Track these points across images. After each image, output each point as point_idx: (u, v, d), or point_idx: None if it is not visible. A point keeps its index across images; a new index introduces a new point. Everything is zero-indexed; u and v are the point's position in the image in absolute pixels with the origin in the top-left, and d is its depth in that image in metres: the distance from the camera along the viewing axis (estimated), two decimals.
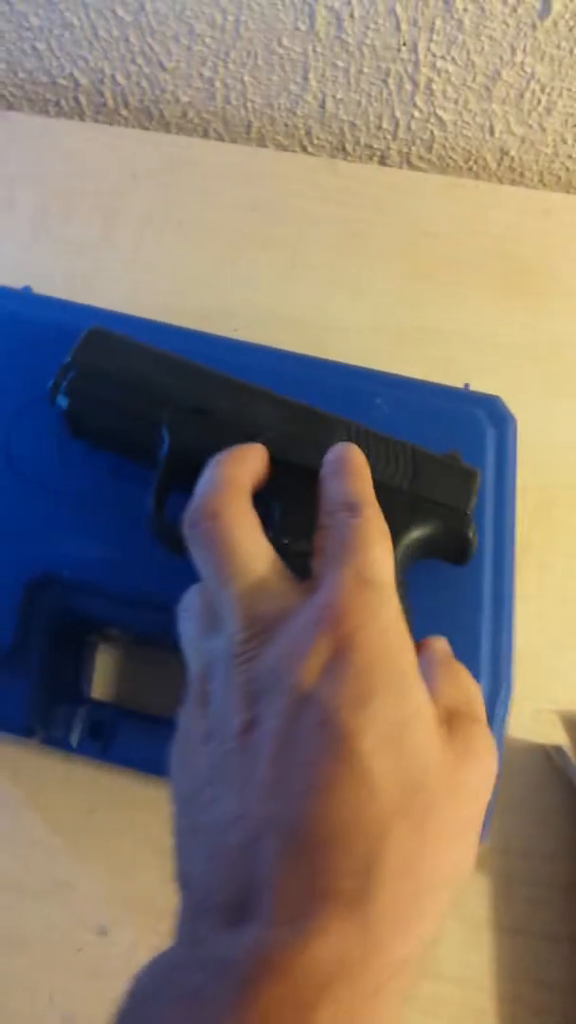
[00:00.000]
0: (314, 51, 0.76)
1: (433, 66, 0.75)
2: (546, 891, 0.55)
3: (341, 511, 0.39)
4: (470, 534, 0.49)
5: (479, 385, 0.59)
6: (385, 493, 0.46)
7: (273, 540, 0.40)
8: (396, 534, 0.46)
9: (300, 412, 0.50)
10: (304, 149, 0.86)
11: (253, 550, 0.37)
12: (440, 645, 0.40)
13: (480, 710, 0.36)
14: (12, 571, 0.52)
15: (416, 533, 0.48)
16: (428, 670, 0.37)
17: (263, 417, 0.50)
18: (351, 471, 0.43)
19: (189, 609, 0.39)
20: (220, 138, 0.87)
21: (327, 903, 0.29)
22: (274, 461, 0.47)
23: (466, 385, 0.58)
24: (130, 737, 0.55)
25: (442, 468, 0.50)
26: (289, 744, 0.31)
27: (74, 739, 0.54)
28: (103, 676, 0.59)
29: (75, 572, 0.53)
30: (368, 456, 0.46)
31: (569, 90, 0.75)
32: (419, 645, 0.39)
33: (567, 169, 0.83)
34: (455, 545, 0.49)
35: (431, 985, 0.53)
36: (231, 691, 0.33)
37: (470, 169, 0.84)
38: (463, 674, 0.38)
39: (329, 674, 0.32)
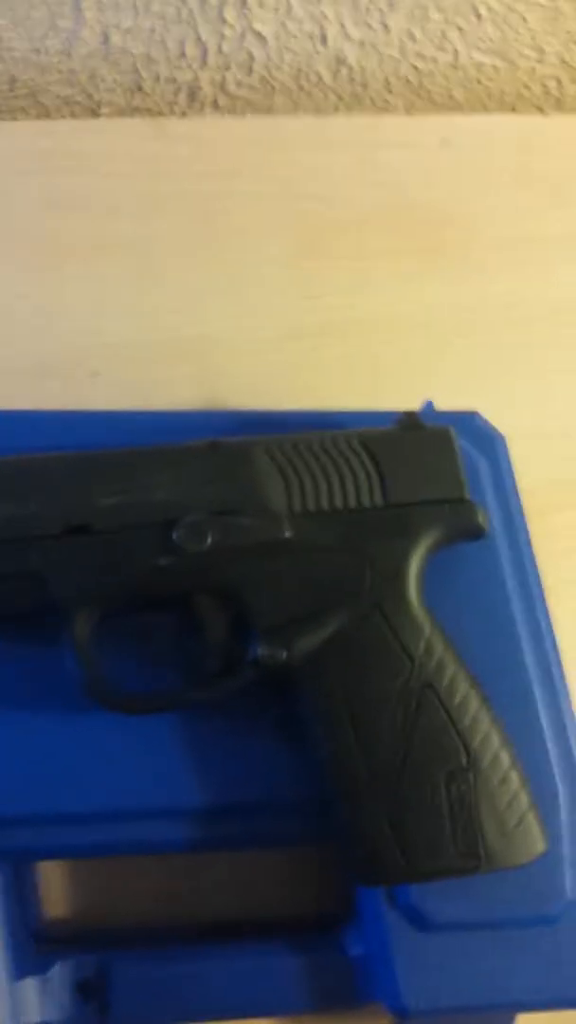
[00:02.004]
0: None
1: None
2: None
3: None
4: (479, 521, 0.39)
5: (425, 387, 0.46)
6: (361, 521, 0.37)
7: (235, 652, 0.37)
8: (397, 568, 0.37)
9: (204, 460, 0.38)
10: (89, 96, 0.67)
11: None
12: None
13: None
14: None
15: (419, 553, 0.38)
16: None
17: (164, 492, 0.37)
18: None
19: None
20: None
21: None
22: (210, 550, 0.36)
23: (427, 404, 0.45)
24: (132, 981, 0.40)
25: (409, 450, 0.39)
26: None
27: (57, 1015, 0.39)
28: (60, 908, 0.43)
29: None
30: (311, 480, 0.37)
31: None
32: None
33: (416, 69, 0.68)
34: (466, 535, 0.39)
35: None
36: None
37: (301, 88, 0.68)
38: None
39: None
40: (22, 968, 0.39)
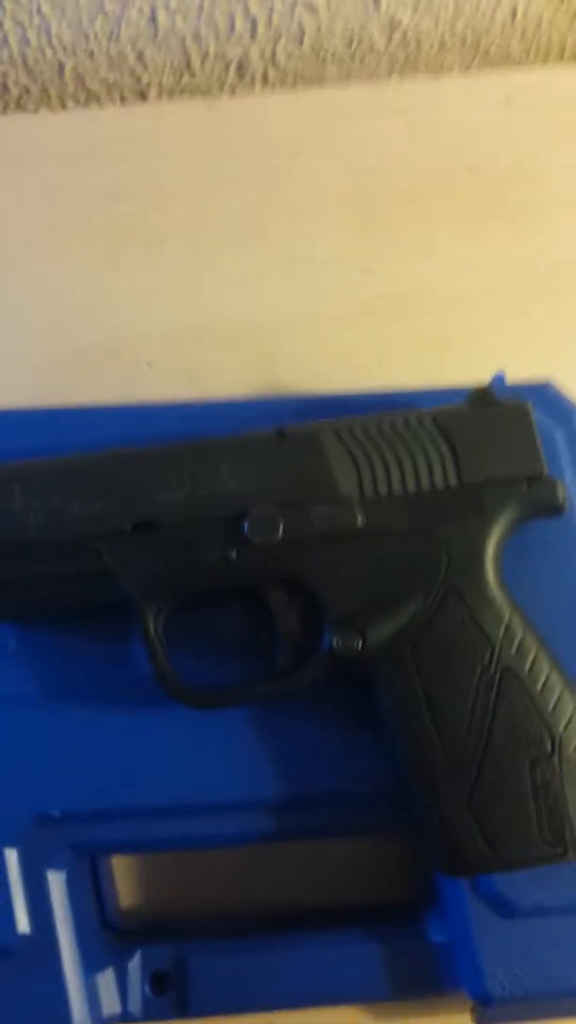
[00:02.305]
0: None
1: None
2: None
3: None
4: (559, 497, 0.37)
5: (497, 362, 0.44)
6: (436, 504, 0.36)
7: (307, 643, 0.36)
8: (474, 550, 0.36)
9: (271, 448, 0.37)
10: (137, 79, 0.66)
11: None
12: None
13: None
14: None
15: (496, 533, 0.36)
16: None
17: (231, 483, 0.36)
18: None
19: None
20: (26, 91, 0.66)
21: None
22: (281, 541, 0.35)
23: (498, 376, 0.43)
24: (209, 970, 0.40)
25: (484, 428, 0.37)
26: None
27: (135, 1006, 0.39)
28: (133, 898, 0.43)
29: (73, 802, 0.38)
30: (383, 464, 0.36)
31: None
32: None
33: (473, 29, 0.66)
34: (545, 512, 0.37)
35: None
36: None
37: (354, 55, 0.66)
38: None
39: None
40: (98, 960, 0.39)
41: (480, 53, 0.67)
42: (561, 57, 0.67)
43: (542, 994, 0.37)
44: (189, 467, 0.37)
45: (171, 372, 0.50)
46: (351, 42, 0.65)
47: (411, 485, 0.36)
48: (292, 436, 0.37)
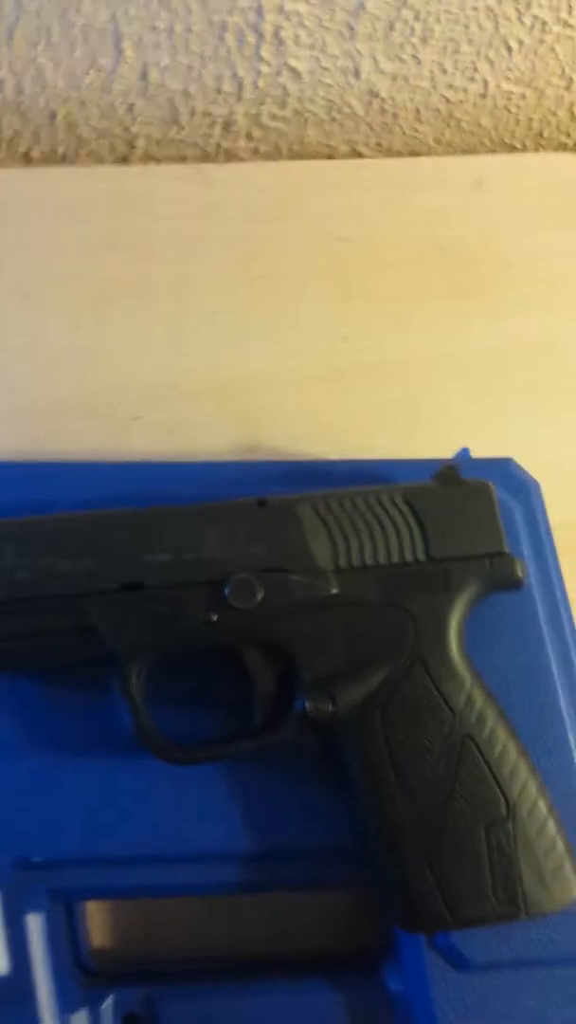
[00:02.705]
0: (125, 15, 0.59)
1: (280, 10, 0.59)
2: None
3: None
4: (518, 574, 0.40)
5: (462, 432, 0.47)
6: (405, 576, 0.39)
7: (282, 703, 0.38)
8: (439, 622, 0.39)
9: (253, 517, 0.39)
10: (127, 129, 0.69)
11: None
12: None
13: None
14: None
15: (460, 607, 0.39)
16: None
17: (214, 549, 0.38)
18: None
19: None
20: (16, 135, 0.68)
21: None
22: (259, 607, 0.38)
23: (463, 451, 0.46)
24: (178, 1014, 0.42)
25: (450, 505, 0.40)
26: None
27: None
28: (102, 939, 0.45)
29: (53, 849, 0.39)
30: (356, 537, 0.38)
31: (448, 12, 0.61)
32: None
33: (446, 100, 0.69)
34: (505, 587, 0.40)
35: None
36: None
37: (333, 119, 0.69)
38: None
39: None
40: (72, 1002, 0.40)
41: (452, 125, 0.70)
42: (528, 132, 0.71)
43: None
44: (176, 531, 0.39)
45: (154, 426, 0.52)
46: (331, 108, 0.68)
47: (382, 558, 0.39)
48: (272, 506, 0.40)
